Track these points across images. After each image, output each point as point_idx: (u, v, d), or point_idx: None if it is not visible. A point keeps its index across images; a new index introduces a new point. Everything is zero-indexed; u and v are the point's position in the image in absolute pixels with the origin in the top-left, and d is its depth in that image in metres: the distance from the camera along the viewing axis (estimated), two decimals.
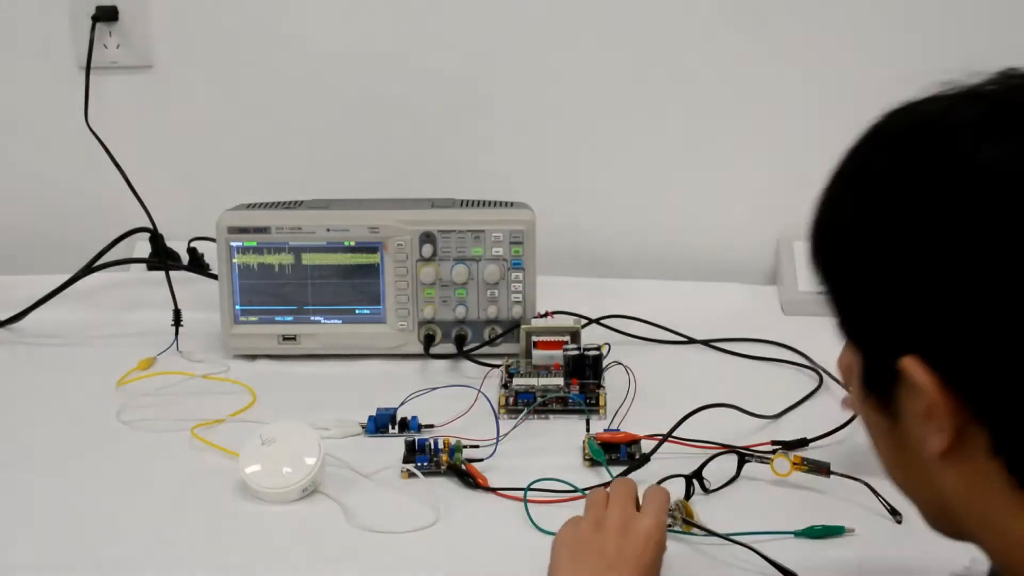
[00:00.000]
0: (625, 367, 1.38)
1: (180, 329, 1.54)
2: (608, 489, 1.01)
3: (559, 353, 1.37)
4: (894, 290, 0.63)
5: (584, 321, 1.50)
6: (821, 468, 1.12)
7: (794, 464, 1.12)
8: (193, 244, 1.70)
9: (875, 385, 0.68)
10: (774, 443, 1.21)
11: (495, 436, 1.23)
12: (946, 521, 0.71)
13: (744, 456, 1.15)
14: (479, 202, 1.54)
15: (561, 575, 0.92)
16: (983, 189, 0.60)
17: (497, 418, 1.27)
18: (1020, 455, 0.62)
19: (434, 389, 1.36)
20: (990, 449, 0.62)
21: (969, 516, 0.66)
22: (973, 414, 0.61)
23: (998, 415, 0.61)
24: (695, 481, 1.12)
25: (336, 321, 1.49)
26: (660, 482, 1.09)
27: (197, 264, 1.69)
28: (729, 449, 1.17)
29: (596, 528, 0.94)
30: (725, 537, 1.03)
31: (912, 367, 0.62)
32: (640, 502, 0.99)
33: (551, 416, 1.32)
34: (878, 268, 0.63)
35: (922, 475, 0.67)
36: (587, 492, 1.04)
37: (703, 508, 1.09)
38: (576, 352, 1.35)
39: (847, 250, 0.66)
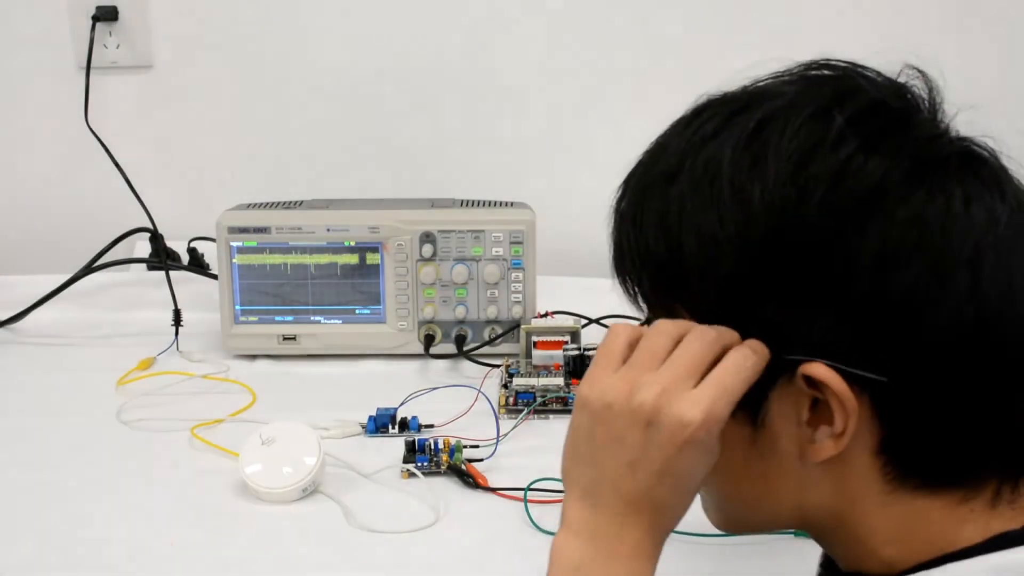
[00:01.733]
0: None
1: (180, 329, 1.54)
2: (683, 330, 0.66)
3: (559, 353, 1.37)
4: (797, 294, 0.61)
5: (584, 321, 1.50)
6: None
7: None
8: (193, 244, 1.70)
9: (744, 395, 0.64)
10: None
11: (495, 436, 1.23)
12: (792, 523, 0.69)
13: None
14: (479, 202, 1.55)
15: (575, 451, 0.69)
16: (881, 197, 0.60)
17: (497, 418, 1.27)
18: (905, 449, 0.63)
19: (434, 389, 1.36)
20: (876, 448, 0.63)
21: (833, 517, 0.66)
22: (873, 415, 0.62)
23: (899, 413, 0.62)
24: None
25: (336, 321, 1.49)
26: None
27: (197, 264, 1.69)
28: None
29: (628, 398, 0.65)
30: (724, 536, 1.03)
31: (823, 373, 0.60)
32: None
33: (551, 416, 1.32)
34: (772, 276, 0.61)
35: (781, 481, 0.66)
36: (653, 322, 0.68)
37: (699, 506, 1.08)
38: (576, 352, 1.35)
39: (731, 255, 0.62)
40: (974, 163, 0.63)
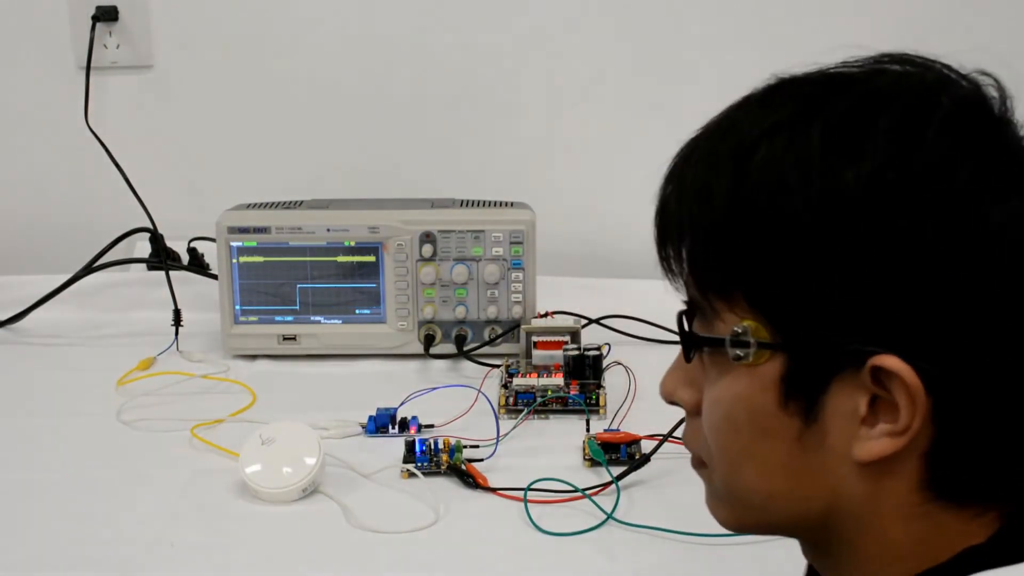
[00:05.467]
0: (625, 367, 1.38)
1: (180, 329, 1.54)
2: None
3: (559, 353, 1.37)
4: (877, 284, 0.59)
5: (584, 321, 1.50)
6: None
7: None
8: (193, 244, 1.70)
9: (802, 386, 0.62)
10: None
11: (495, 436, 1.23)
12: (809, 526, 0.68)
13: None
14: (479, 202, 1.54)
15: None
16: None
17: (497, 418, 1.27)
18: (954, 455, 0.61)
19: (434, 389, 1.36)
20: (925, 451, 0.61)
21: (855, 526, 0.65)
22: (930, 417, 0.60)
23: (957, 418, 0.60)
24: None
25: (336, 321, 1.49)
26: None
27: (197, 264, 1.69)
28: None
29: None
30: (723, 536, 1.03)
31: (898, 365, 0.59)
32: None
33: (551, 416, 1.32)
34: (853, 263, 0.60)
35: (818, 479, 0.64)
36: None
37: (701, 507, 1.08)
38: (576, 352, 1.35)
39: (816, 238, 0.60)
40: None
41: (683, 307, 0.69)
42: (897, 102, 0.61)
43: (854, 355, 0.60)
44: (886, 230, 0.59)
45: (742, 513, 0.70)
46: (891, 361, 0.59)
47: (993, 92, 0.64)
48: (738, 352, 0.63)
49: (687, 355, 0.68)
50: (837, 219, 0.60)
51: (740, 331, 0.63)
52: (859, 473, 0.62)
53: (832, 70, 0.65)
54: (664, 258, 0.68)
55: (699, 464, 0.72)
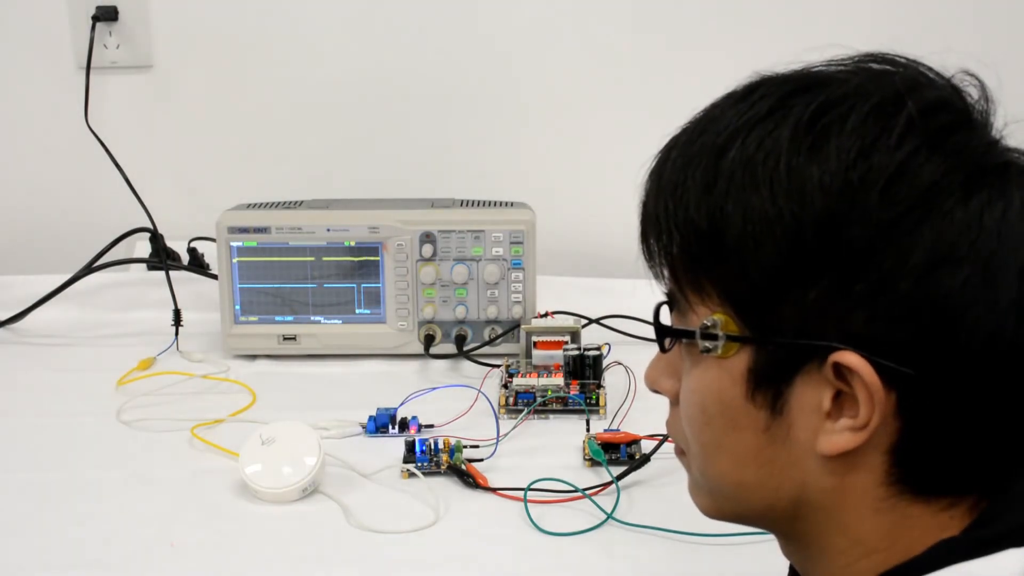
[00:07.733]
0: (625, 367, 1.38)
1: (180, 329, 1.54)
2: None
3: (559, 353, 1.37)
4: (840, 282, 0.60)
5: (584, 321, 1.50)
6: None
7: None
8: (193, 244, 1.70)
9: (768, 379, 0.64)
10: None
11: (495, 436, 1.23)
12: (781, 518, 0.68)
13: None
14: (479, 202, 1.55)
15: None
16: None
17: (497, 418, 1.27)
18: (918, 451, 0.62)
19: (434, 389, 1.36)
20: (890, 447, 0.62)
21: (826, 517, 0.66)
22: (895, 413, 0.61)
23: (920, 414, 0.61)
24: None
25: (336, 321, 1.49)
26: None
27: (197, 264, 1.69)
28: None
29: None
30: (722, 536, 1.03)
31: (856, 361, 0.60)
32: None
33: (551, 416, 1.32)
34: (816, 261, 0.61)
35: (786, 471, 0.65)
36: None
37: None
38: (576, 352, 1.35)
39: (780, 235, 0.61)
40: None
41: (663, 299, 0.71)
42: (866, 103, 0.62)
43: (817, 351, 0.61)
44: (848, 230, 0.60)
45: (720, 502, 0.72)
46: (850, 358, 0.60)
47: (974, 92, 0.64)
48: (707, 345, 0.65)
49: (660, 345, 0.71)
50: (801, 217, 0.61)
51: (710, 324, 0.65)
52: (825, 466, 0.64)
53: (813, 69, 0.66)
54: (644, 251, 0.70)
55: (680, 452, 0.74)
